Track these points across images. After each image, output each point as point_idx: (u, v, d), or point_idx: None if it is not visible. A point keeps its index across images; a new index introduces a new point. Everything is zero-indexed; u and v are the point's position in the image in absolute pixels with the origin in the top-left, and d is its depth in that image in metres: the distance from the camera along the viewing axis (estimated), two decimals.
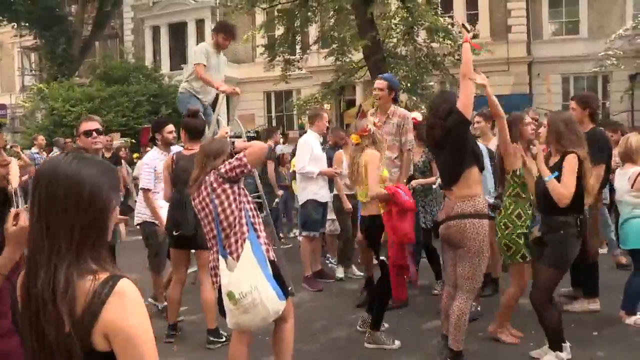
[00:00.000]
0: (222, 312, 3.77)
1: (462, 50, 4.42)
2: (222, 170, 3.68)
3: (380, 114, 5.96)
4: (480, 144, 5.43)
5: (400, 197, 4.68)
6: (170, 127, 5.87)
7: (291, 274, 6.71)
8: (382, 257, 4.89)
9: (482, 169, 4.33)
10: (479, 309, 5.48)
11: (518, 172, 4.67)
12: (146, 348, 1.48)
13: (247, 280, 3.48)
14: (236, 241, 3.66)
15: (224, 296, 3.56)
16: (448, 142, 4.20)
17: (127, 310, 1.47)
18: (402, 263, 4.74)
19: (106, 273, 1.49)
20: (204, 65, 6.38)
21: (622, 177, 5.29)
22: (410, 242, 4.84)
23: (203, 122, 5.40)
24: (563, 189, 4.19)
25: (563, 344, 4.28)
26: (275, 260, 3.82)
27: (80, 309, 1.44)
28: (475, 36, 21.11)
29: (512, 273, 4.79)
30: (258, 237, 3.70)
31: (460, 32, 4.74)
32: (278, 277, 3.66)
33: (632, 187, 5.16)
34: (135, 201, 7.00)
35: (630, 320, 5.21)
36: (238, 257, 3.58)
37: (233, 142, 4.54)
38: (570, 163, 4.20)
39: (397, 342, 4.90)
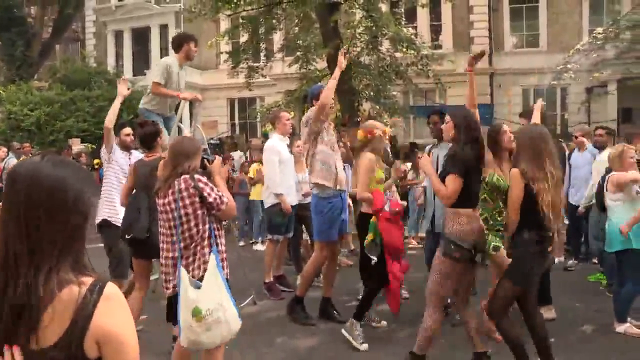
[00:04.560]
0: (169, 319, 3.71)
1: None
2: (206, 193, 3.58)
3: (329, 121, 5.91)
4: None
5: (377, 203, 5.00)
6: (127, 129, 5.84)
7: (254, 282, 6.70)
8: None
9: None
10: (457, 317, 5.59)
11: (487, 179, 4.74)
12: (134, 352, 1.47)
13: (213, 297, 3.41)
14: (194, 253, 3.59)
15: (187, 312, 3.42)
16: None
17: (117, 315, 1.45)
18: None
19: (89, 278, 1.45)
20: (162, 84, 6.12)
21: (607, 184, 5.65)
22: (399, 252, 5.15)
23: (151, 128, 5.29)
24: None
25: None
26: (228, 277, 3.77)
27: (68, 319, 1.39)
28: (437, 47, 21.47)
29: (492, 268, 5.05)
30: (219, 251, 3.65)
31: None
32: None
33: (606, 190, 5.56)
34: None
35: (621, 328, 5.33)
36: (194, 269, 3.53)
37: (205, 149, 4.50)
38: (512, 180, 4.16)
39: (365, 346, 4.95)
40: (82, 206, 1.50)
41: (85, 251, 1.52)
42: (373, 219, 5.06)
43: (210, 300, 3.41)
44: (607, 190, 5.57)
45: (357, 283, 6.18)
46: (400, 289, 5.31)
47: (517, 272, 4.21)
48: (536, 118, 5.30)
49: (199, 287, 3.48)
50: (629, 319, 5.39)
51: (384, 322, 5.66)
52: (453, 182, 4.11)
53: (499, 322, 4.26)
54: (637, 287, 5.35)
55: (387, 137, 5.57)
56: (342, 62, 5.59)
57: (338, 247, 6.22)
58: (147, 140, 5.18)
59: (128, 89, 5.98)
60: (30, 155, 12.87)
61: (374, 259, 5.00)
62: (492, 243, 4.70)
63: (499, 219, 4.85)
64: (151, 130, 5.19)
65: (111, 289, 1.46)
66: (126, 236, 5.03)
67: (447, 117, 4.40)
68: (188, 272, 3.55)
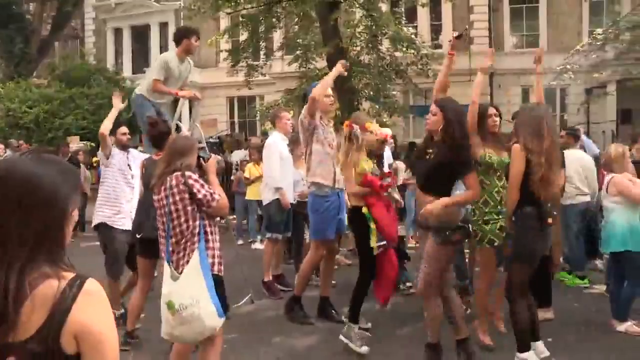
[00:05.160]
0: None
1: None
2: (195, 189, 3.62)
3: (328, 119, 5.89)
4: None
5: (374, 184, 4.89)
6: (123, 129, 5.83)
7: (252, 281, 6.69)
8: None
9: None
10: (468, 311, 5.59)
11: (479, 160, 4.74)
12: (113, 349, 1.46)
13: (189, 292, 3.42)
14: (184, 249, 3.61)
15: (162, 304, 3.50)
16: None
17: (96, 310, 1.44)
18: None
19: (70, 274, 1.44)
20: (161, 80, 6.10)
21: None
22: (393, 240, 5.13)
23: (164, 127, 5.26)
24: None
25: (534, 343, 4.35)
26: (221, 274, 3.77)
27: (46, 312, 1.38)
28: (437, 47, 21.45)
29: (480, 261, 4.99)
30: (207, 248, 3.66)
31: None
32: (220, 293, 3.60)
33: (606, 192, 5.48)
34: None
35: (622, 327, 5.32)
36: (184, 265, 3.54)
37: (203, 148, 4.49)
38: (513, 156, 4.29)
39: (365, 348, 4.83)
40: (58, 204, 1.48)
41: (64, 249, 1.51)
42: (364, 209, 4.93)
43: (185, 296, 3.42)
44: (607, 191, 5.52)
45: (353, 281, 6.17)
46: (395, 278, 5.25)
47: (521, 250, 4.28)
48: (539, 93, 5.25)
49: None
50: (630, 320, 5.38)
51: (368, 324, 5.41)
52: (475, 180, 4.24)
53: (514, 305, 4.29)
54: (635, 288, 5.35)
55: (376, 134, 5.46)
56: (340, 71, 5.58)
57: (336, 246, 6.20)
58: (159, 139, 5.13)
59: (123, 101, 5.98)
60: None
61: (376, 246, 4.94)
62: (490, 235, 4.73)
63: (497, 198, 4.81)
64: (163, 129, 5.17)
65: (92, 285, 1.45)
66: (137, 235, 5.02)
67: (435, 108, 4.28)
68: (178, 266, 3.57)
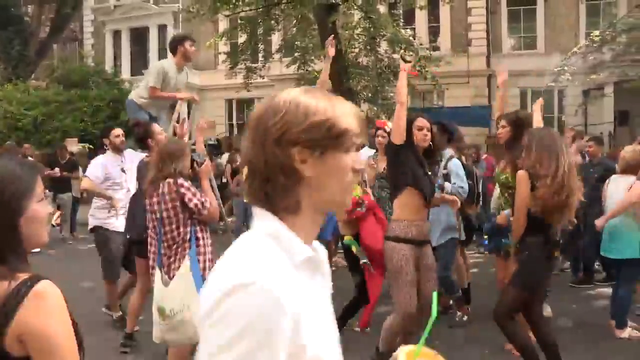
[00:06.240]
0: None
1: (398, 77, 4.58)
2: (187, 198, 3.63)
3: None
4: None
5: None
6: (117, 131, 5.87)
7: None
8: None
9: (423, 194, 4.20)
10: (464, 318, 5.68)
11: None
12: (65, 354, 1.41)
13: (179, 298, 3.44)
14: (176, 254, 3.62)
15: (154, 309, 3.51)
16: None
17: (46, 313, 1.39)
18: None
19: (25, 274, 1.42)
20: (158, 88, 6.04)
21: (618, 185, 5.36)
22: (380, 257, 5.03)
23: (140, 130, 5.23)
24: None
25: None
26: None
27: None
28: (435, 49, 21.49)
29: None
30: (199, 254, 3.67)
31: (409, 53, 4.75)
32: None
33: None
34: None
35: (625, 334, 5.25)
36: (175, 270, 3.55)
37: (195, 161, 4.50)
38: (518, 181, 4.12)
39: None
40: (4, 202, 1.45)
41: (21, 249, 1.47)
42: (347, 238, 4.94)
43: (176, 301, 3.44)
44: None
45: (352, 283, 6.17)
46: (375, 304, 5.06)
47: (522, 278, 4.12)
48: (537, 120, 5.16)
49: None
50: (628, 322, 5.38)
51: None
52: None
53: (504, 327, 4.14)
54: (629, 287, 5.34)
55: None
56: (330, 50, 5.54)
57: (333, 247, 6.22)
58: (140, 140, 5.20)
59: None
60: (30, 157, 12.85)
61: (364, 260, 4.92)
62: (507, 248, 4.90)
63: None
64: (139, 132, 5.18)
65: (44, 287, 1.41)
66: (127, 236, 5.07)
67: (430, 126, 4.36)
68: (170, 272, 3.59)
